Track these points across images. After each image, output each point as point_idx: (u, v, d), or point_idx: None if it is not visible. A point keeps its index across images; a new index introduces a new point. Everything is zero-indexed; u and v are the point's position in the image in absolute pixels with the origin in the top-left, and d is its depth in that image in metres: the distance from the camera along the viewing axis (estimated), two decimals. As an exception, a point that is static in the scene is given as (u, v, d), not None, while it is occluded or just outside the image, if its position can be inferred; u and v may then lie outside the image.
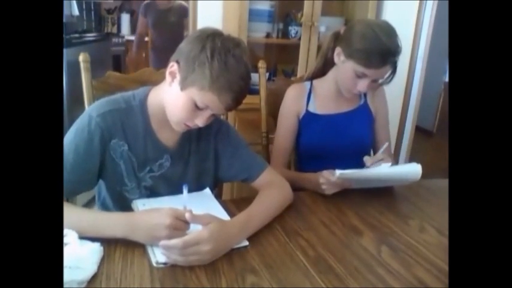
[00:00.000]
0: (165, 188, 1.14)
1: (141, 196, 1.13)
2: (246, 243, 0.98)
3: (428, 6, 2.83)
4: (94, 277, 0.82)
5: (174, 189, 1.14)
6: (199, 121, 1.04)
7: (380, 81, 1.40)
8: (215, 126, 1.17)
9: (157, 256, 0.89)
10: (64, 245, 0.83)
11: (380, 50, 1.26)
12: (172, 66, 1.03)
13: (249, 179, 1.21)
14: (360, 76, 1.33)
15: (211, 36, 0.99)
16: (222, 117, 1.27)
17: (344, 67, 1.35)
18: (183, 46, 1.03)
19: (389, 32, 1.29)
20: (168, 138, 1.13)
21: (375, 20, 1.35)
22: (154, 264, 0.88)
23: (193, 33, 1.04)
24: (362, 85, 1.34)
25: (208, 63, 0.96)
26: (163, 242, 0.88)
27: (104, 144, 1.06)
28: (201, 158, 1.19)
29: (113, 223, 0.94)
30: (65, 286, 0.75)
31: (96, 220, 0.96)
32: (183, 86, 1.01)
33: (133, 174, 1.11)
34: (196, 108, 1.02)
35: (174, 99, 1.04)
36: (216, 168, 1.22)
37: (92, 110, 1.07)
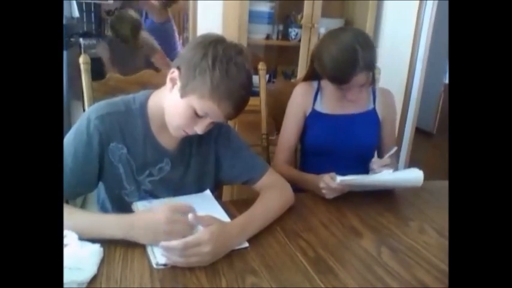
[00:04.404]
0: (164, 191, 1.14)
1: (141, 199, 1.12)
2: (246, 244, 0.98)
3: (428, 6, 2.83)
4: (94, 278, 0.82)
5: (174, 193, 1.14)
6: (199, 128, 1.04)
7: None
8: (216, 128, 1.16)
9: (157, 257, 0.89)
10: (64, 246, 0.83)
11: (340, 69, 1.29)
12: (173, 73, 1.02)
13: (251, 182, 1.20)
14: (342, 89, 1.36)
15: (214, 43, 0.98)
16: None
17: (328, 82, 1.39)
18: (185, 52, 1.02)
19: (342, 42, 1.29)
20: (168, 142, 1.13)
21: (336, 36, 1.33)
22: (154, 266, 0.88)
23: (195, 39, 1.03)
24: (351, 95, 1.37)
25: (209, 71, 0.95)
26: (163, 243, 0.88)
27: (102, 147, 1.05)
28: (202, 161, 1.19)
29: (112, 223, 0.95)
30: (65, 287, 0.75)
31: (96, 221, 0.97)
32: (183, 93, 1.00)
33: (133, 177, 1.11)
34: (196, 115, 1.01)
35: (174, 105, 1.04)
36: (217, 171, 1.22)
37: (90, 112, 1.06)
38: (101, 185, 1.15)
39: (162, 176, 1.14)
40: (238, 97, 0.99)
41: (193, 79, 0.98)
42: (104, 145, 1.06)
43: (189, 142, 1.16)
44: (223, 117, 1.02)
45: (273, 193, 1.14)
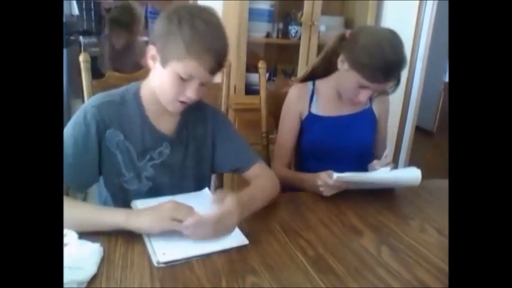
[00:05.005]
0: (166, 176, 1.16)
1: (141, 186, 1.14)
2: (246, 242, 0.98)
3: (428, 6, 2.84)
4: (94, 277, 0.82)
5: (175, 178, 1.16)
6: (190, 93, 1.05)
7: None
8: (211, 111, 1.22)
9: (158, 255, 0.89)
10: (64, 246, 0.83)
11: (385, 67, 1.25)
12: (151, 50, 1.05)
13: (242, 169, 1.22)
14: (362, 87, 1.31)
15: (177, 9, 1.02)
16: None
17: (347, 76, 1.33)
18: (155, 27, 1.05)
19: (395, 44, 1.27)
20: (165, 126, 1.15)
21: (380, 30, 1.32)
22: (155, 264, 0.87)
23: (161, 14, 1.06)
24: (364, 96, 1.33)
25: (179, 31, 0.98)
26: (191, 219, 0.91)
27: (100, 135, 1.07)
28: (199, 143, 1.21)
29: (114, 211, 1.00)
30: (65, 286, 0.75)
31: (97, 211, 1.00)
32: (164, 62, 1.03)
33: (131, 164, 1.12)
34: (182, 80, 1.03)
35: (160, 79, 1.06)
36: (213, 155, 1.24)
37: (87, 104, 1.09)
38: (102, 183, 1.15)
39: (163, 160, 1.15)
40: (215, 49, 1.01)
41: (168, 45, 1.00)
42: (102, 133, 1.08)
43: (186, 125, 1.18)
44: (208, 74, 1.03)
45: (262, 179, 1.18)
